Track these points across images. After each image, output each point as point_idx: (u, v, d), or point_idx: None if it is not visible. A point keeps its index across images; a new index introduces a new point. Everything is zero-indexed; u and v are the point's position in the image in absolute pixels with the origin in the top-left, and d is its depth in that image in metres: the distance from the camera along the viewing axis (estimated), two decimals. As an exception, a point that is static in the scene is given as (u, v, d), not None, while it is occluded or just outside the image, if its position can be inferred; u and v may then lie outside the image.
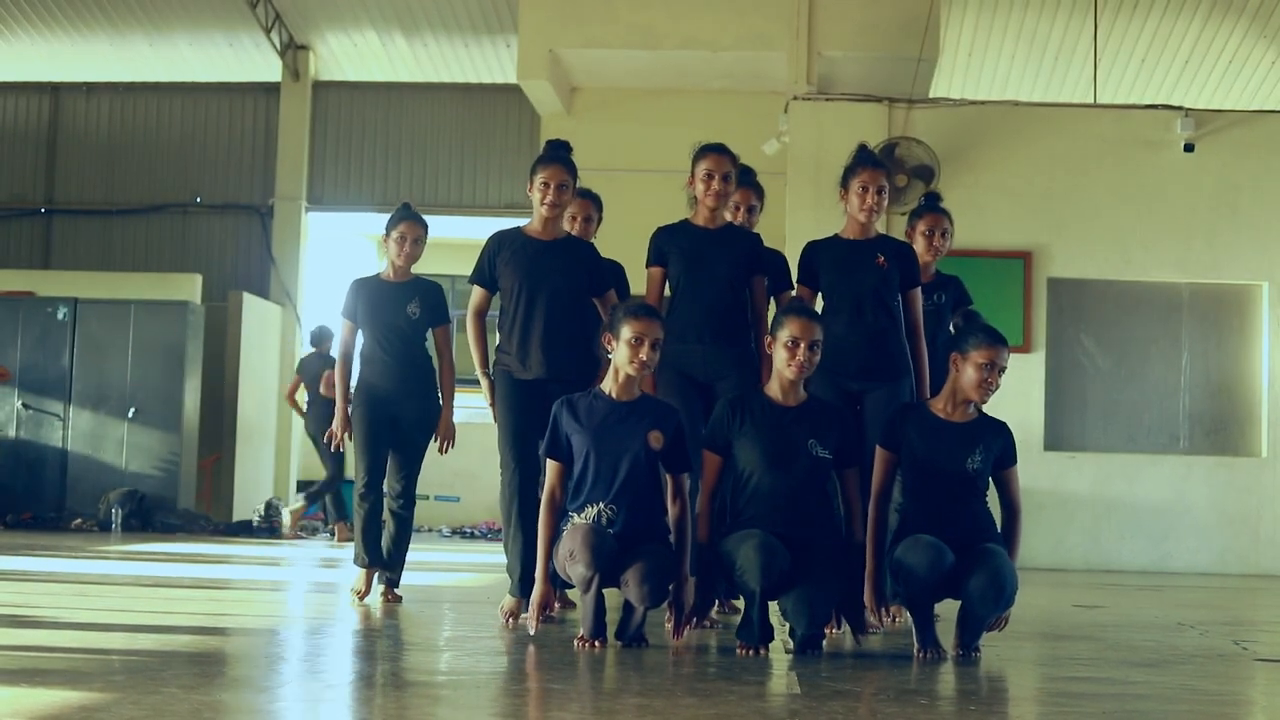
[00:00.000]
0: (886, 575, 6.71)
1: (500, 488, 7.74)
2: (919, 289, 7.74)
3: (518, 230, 7.86)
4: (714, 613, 7.84)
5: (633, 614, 6.63)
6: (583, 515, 6.67)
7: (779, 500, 6.58)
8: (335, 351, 9.21)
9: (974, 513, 6.71)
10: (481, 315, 7.92)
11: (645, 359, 6.66)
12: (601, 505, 6.64)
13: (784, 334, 6.64)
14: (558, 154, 7.83)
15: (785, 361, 6.63)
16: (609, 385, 6.80)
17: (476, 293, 7.85)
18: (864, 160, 7.72)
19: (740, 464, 6.66)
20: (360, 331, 8.82)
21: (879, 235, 7.84)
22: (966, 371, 6.66)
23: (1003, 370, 6.68)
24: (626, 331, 6.66)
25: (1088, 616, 9.42)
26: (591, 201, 8.33)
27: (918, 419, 6.77)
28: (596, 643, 6.51)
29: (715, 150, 7.68)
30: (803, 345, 6.60)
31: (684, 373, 7.50)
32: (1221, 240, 14.97)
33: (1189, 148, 15.01)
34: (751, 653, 6.39)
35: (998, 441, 6.72)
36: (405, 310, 8.67)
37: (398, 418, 8.76)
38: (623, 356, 6.67)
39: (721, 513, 6.73)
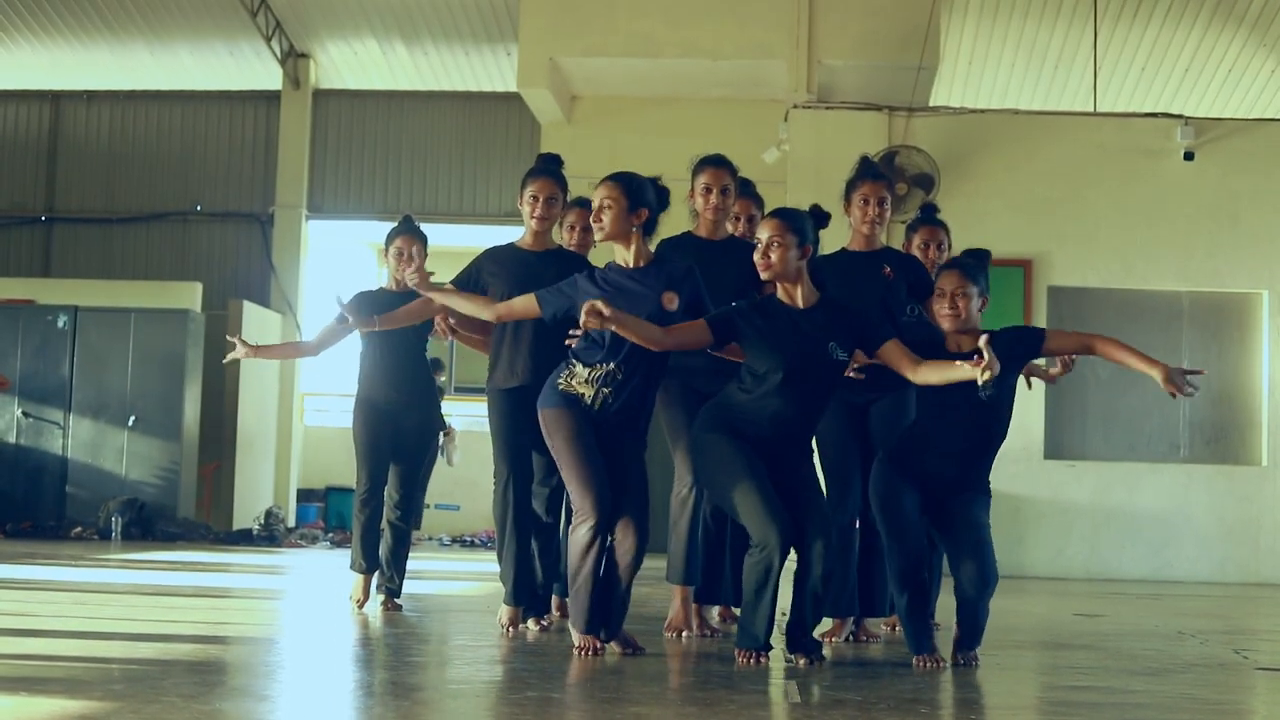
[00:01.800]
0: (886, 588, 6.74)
1: (494, 496, 7.72)
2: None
3: (509, 245, 7.85)
4: (715, 621, 7.84)
5: (615, 588, 6.63)
6: (591, 372, 6.64)
7: (788, 408, 6.50)
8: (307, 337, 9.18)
9: (989, 442, 6.73)
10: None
11: (599, 223, 6.77)
12: (612, 365, 6.60)
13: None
14: (547, 167, 7.83)
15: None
16: (622, 256, 6.81)
17: (447, 287, 7.69)
18: (865, 172, 7.73)
19: (756, 365, 6.56)
20: (362, 344, 8.81)
21: (884, 247, 7.84)
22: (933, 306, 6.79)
23: (963, 295, 6.66)
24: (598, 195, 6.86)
25: (1088, 625, 9.41)
26: (589, 211, 8.32)
27: (936, 346, 6.77)
28: (596, 642, 6.49)
29: (714, 163, 7.67)
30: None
31: (689, 384, 7.48)
32: (1221, 249, 14.97)
33: (1189, 156, 15.03)
34: (752, 661, 6.38)
35: (1018, 348, 6.66)
36: (407, 319, 8.65)
37: (400, 428, 8.76)
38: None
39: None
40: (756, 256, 6.56)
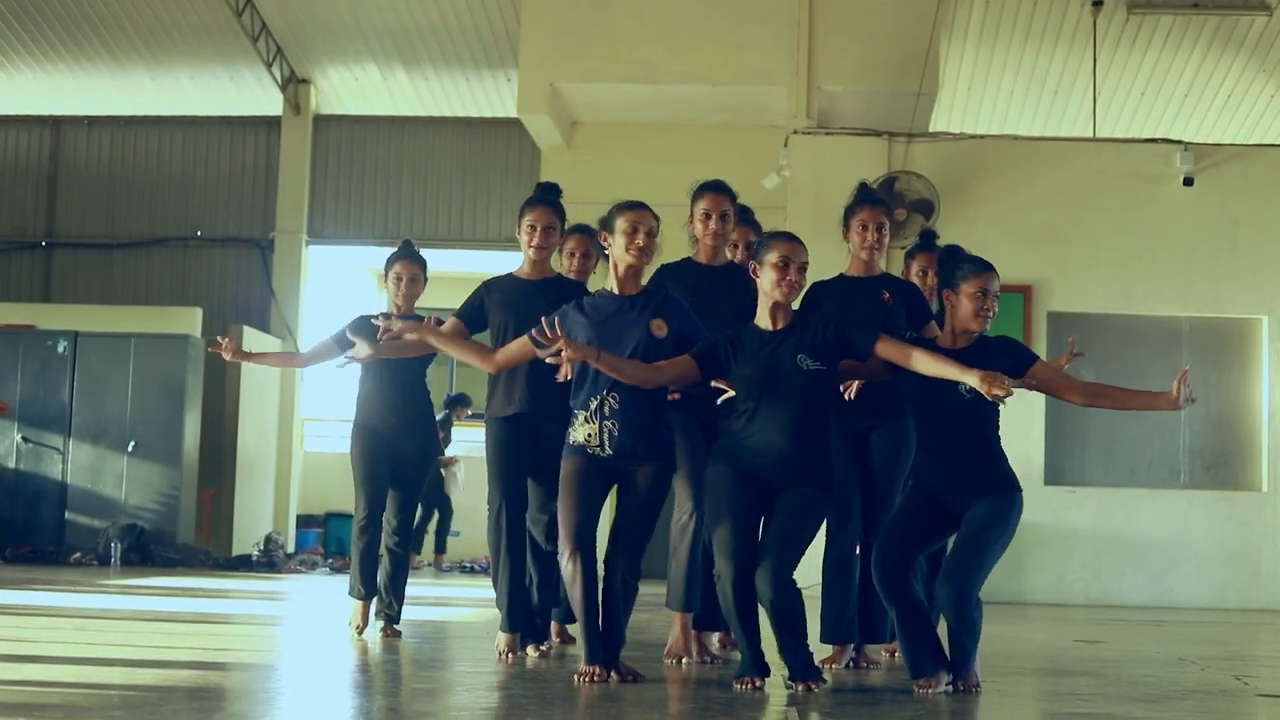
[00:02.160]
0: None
1: (488, 523, 7.72)
2: (933, 322, 7.69)
3: (508, 275, 7.85)
4: (715, 648, 7.82)
5: (613, 612, 6.61)
6: (587, 409, 6.63)
7: (773, 432, 6.46)
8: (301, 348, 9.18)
9: (982, 440, 6.67)
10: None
11: (642, 245, 6.71)
12: (605, 394, 6.59)
13: (772, 256, 6.57)
14: (545, 196, 7.84)
15: (775, 283, 6.54)
16: (611, 283, 6.80)
17: (452, 320, 7.71)
18: (864, 198, 7.73)
19: (739, 394, 6.58)
20: (361, 370, 8.80)
21: (883, 273, 7.85)
22: (962, 304, 6.66)
23: (996, 296, 6.67)
24: (621, 223, 6.72)
25: (1089, 651, 9.40)
26: (589, 237, 8.25)
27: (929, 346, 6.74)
28: (597, 670, 6.47)
29: (713, 189, 7.67)
30: (792, 266, 6.54)
31: (691, 413, 7.46)
32: (1221, 274, 14.97)
33: (1188, 182, 15.04)
34: (751, 687, 6.36)
35: (1004, 361, 6.59)
36: (408, 345, 8.64)
37: (398, 453, 8.77)
38: (619, 248, 6.71)
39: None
40: (789, 276, 6.53)
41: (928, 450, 6.69)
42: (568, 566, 6.56)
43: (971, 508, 6.58)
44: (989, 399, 6.21)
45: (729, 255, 7.90)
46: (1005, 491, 6.63)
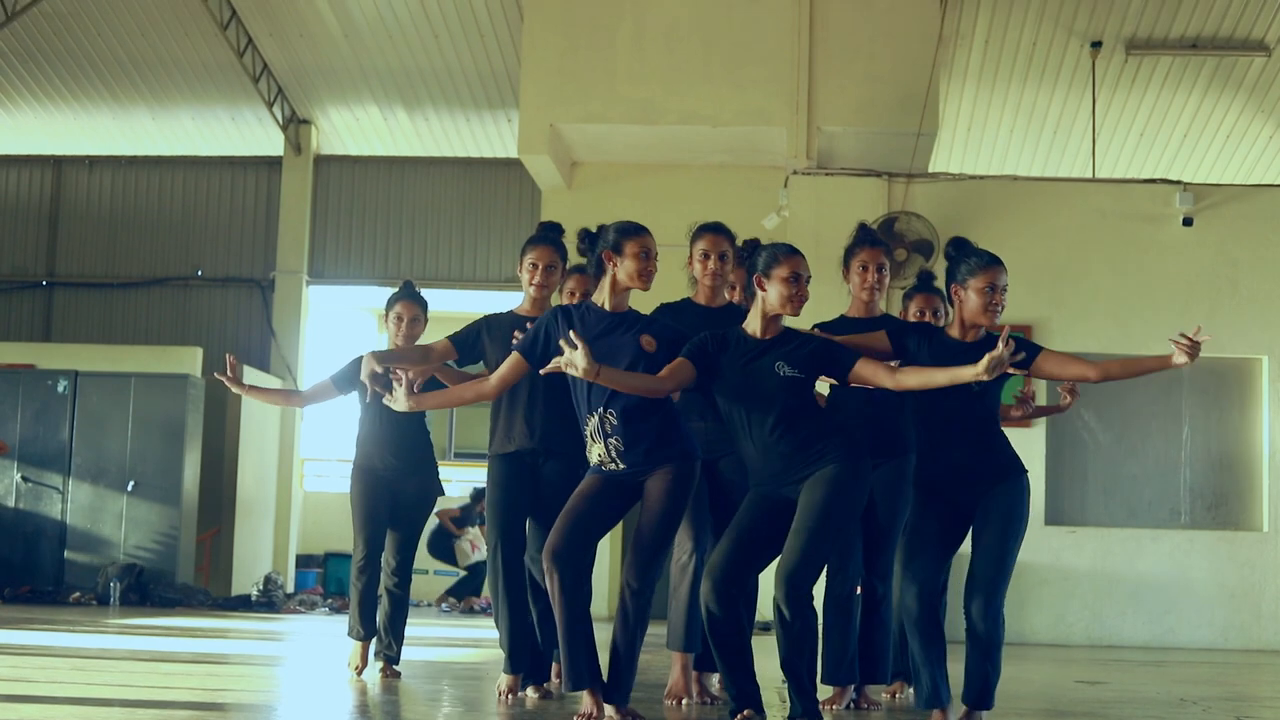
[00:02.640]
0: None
1: (488, 562, 7.70)
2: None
3: (509, 313, 7.85)
4: (715, 689, 7.79)
5: (618, 661, 6.57)
6: (587, 425, 6.58)
7: (764, 436, 6.42)
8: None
9: (985, 421, 6.64)
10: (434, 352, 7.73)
11: (653, 270, 6.72)
12: (601, 410, 6.52)
13: (783, 270, 6.55)
14: (546, 235, 7.84)
15: (787, 298, 6.54)
16: (603, 299, 6.74)
17: (444, 341, 7.69)
18: (863, 239, 7.74)
19: (721, 401, 6.56)
20: (360, 411, 8.80)
21: (884, 314, 7.85)
22: (970, 299, 6.64)
23: (1004, 289, 6.66)
24: (633, 248, 6.69)
25: (1090, 692, 9.37)
26: (590, 278, 8.25)
27: (931, 337, 6.73)
28: (594, 703, 6.43)
29: (711, 230, 7.65)
30: (803, 281, 6.56)
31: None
32: (1221, 314, 14.97)
33: (1188, 222, 15.06)
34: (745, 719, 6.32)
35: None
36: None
37: (398, 494, 8.76)
38: (630, 271, 6.67)
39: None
40: (793, 291, 6.52)
41: (932, 438, 6.63)
42: (548, 582, 6.51)
43: (982, 500, 6.55)
44: (1001, 367, 6.16)
45: (728, 296, 7.89)
46: (1013, 476, 6.59)
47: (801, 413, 6.45)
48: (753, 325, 6.58)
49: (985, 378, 6.15)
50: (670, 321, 6.96)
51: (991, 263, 6.67)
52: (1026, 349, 6.60)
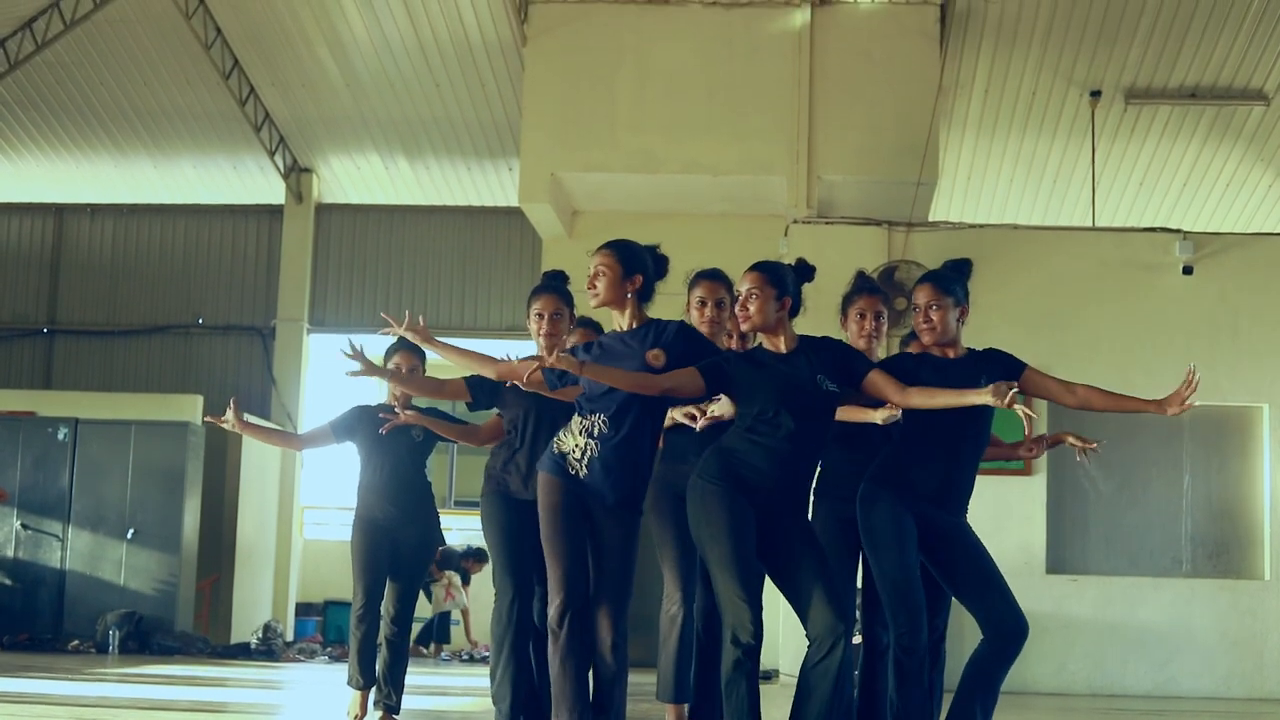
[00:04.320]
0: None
1: (493, 612, 7.65)
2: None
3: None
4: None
5: (605, 690, 6.51)
6: (584, 421, 6.55)
7: (792, 447, 6.35)
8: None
9: (981, 446, 6.72)
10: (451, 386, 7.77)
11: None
12: (596, 416, 6.50)
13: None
14: (551, 283, 7.82)
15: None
16: (617, 323, 6.74)
17: (458, 380, 7.72)
18: (860, 287, 7.74)
19: (758, 409, 6.43)
20: (360, 460, 8.77)
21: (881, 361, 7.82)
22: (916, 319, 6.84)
23: (929, 306, 6.83)
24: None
25: (1092, 742, 9.34)
26: (596, 331, 8.19)
27: (922, 360, 6.76)
28: None
29: (707, 277, 7.61)
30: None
31: (679, 493, 7.43)
32: (1222, 363, 14.97)
33: (1188, 270, 15.07)
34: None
35: (998, 369, 6.64)
36: (409, 434, 8.64)
37: (398, 544, 8.71)
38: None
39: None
40: (736, 308, 6.58)
41: (927, 456, 6.65)
42: (561, 633, 6.41)
43: (956, 519, 6.67)
44: (1006, 408, 6.17)
45: (725, 343, 7.84)
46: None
47: (827, 429, 6.52)
48: (767, 344, 6.61)
49: (993, 404, 6.17)
50: (676, 322, 6.90)
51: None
52: (1013, 365, 6.74)
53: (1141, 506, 15.13)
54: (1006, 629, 6.51)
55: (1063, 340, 15.06)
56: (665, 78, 17.12)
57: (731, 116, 16.94)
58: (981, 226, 16.45)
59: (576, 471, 6.52)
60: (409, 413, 8.18)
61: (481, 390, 7.66)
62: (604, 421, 6.49)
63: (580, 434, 6.54)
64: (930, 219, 17.17)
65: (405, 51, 18.89)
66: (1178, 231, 15.58)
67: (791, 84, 16.96)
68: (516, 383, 6.89)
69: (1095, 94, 18.19)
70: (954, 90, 18.28)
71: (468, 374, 7.63)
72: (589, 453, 6.49)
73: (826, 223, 15.79)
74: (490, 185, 21.16)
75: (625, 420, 6.50)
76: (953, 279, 6.87)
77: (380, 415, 8.28)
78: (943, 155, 17.91)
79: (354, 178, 21.46)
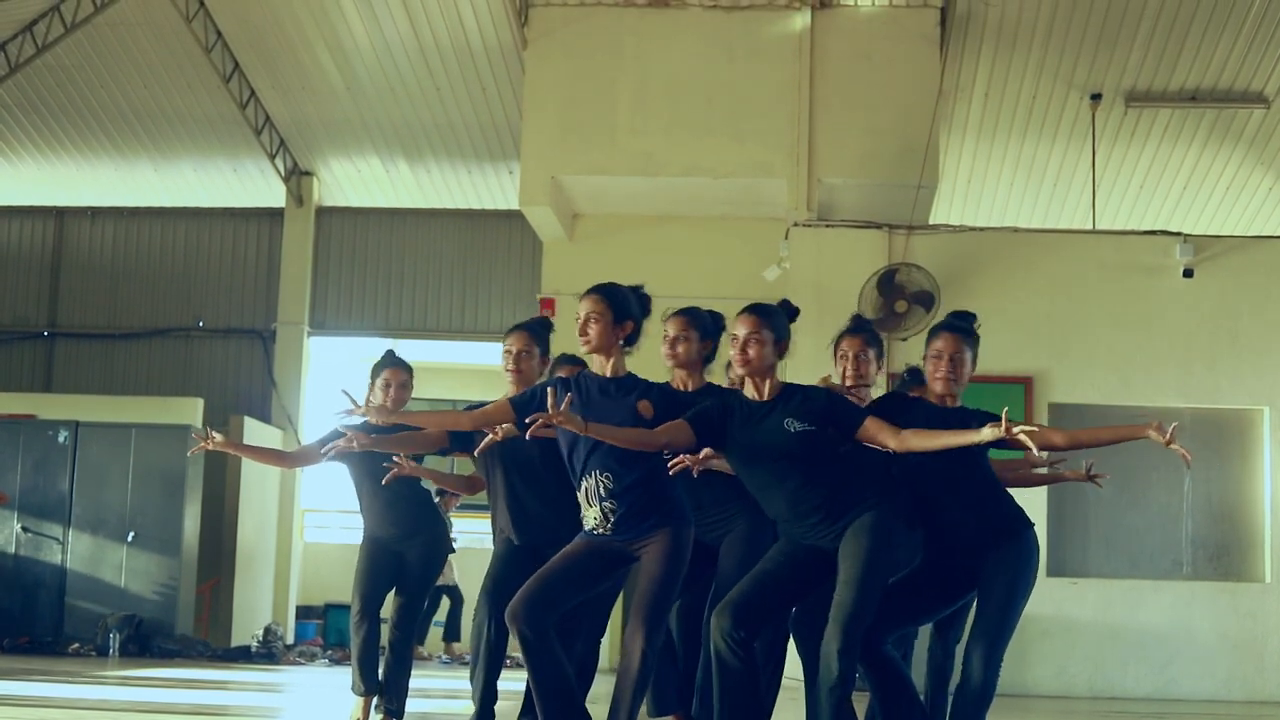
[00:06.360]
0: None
1: (474, 619, 7.64)
2: None
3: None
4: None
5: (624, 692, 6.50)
6: (581, 488, 6.52)
7: (786, 491, 6.35)
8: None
9: (980, 489, 6.62)
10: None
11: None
12: (597, 473, 6.46)
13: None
14: (524, 322, 7.80)
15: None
16: (600, 367, 6.68)
17: (436, 433, 7.70)
18: (847, 329, 7.61)
19: (732, 456, 6.50)
20: (353, 481, 8.71)
21: (872, 401, 7.64)
22: (927, 368, 6.76)
23: (953, 358, 6.71)
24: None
25: (1092, 745, 9.34)
26: (582, 368, 7.95)
27: (913, 405, 6.70)
28: None
29: (677, 314, 7.23)
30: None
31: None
32: (1221, 365, 14.98)
33: (1188, 273, 15.07)
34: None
35: (984, 415, 6.53)
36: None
37: (402, 562, 8.62)
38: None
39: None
40: (734, 352, 6.50)
41: (926, 501, 6.58)
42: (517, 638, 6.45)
43: (990, 557, 6.51)
44: (1012, 441, 6.13)
45: (704, 379, 7.61)
46: (1018, 533, 6.58)
47: (820, 464, 6.38)
48: (749, 390, 6.55)
49: (1002, 435, 6.12)
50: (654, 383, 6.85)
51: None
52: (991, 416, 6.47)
53: (1142, 509, 15.13)
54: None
55: (1062, 343, 15.06)
56: (665, 81, 17.12)
57: (732, 119, 16.94)
58: (982, 230, 16.44)
59: (605, 533, 6.52)
60: (411, 464, 8.12)
61: (456, 439, 7.64)
62: (605, 479, 6.48)
63: (591, 503, 6.52)
64: (930, 222, 17.16)
65: (406, 55, 18.90)
66: (1178, 234, 15.57)
67: (792, 87, 16.97)
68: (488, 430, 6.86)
69: (1095, 97, 18.19)
70: (954, 93, 18.29)
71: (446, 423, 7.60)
72: (609, 515, 6.48)
73: (827, 226, 15.78)
74: (490, 188, 21.16)
75: (622, 471, 6.47)
76: (970, 331, 6.81)
77: (383, 465, 8.21)
78: (943, 158, 17.92)
79: (354, 181, 21.46)
